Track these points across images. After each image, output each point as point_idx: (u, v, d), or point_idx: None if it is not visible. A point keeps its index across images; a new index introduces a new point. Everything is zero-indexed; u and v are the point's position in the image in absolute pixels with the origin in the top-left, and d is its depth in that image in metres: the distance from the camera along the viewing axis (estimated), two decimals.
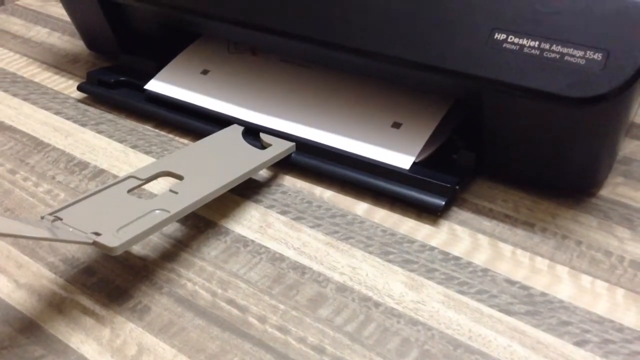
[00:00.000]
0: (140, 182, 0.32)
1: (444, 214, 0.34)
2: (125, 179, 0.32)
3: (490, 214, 0.35)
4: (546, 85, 0.31)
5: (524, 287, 0.30)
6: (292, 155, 0.37)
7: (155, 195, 0.36)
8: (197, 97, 0.41)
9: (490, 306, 0.29)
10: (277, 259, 0.31)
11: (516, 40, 0.32)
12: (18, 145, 0.40)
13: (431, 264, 0.31)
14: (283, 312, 0.28)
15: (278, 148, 0.37)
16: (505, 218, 0.34)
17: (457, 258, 0.32)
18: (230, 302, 0.29)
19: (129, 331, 0.28)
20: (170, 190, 0.31)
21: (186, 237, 0.33)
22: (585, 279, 0.30)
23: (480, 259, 0.32)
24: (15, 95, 0.46)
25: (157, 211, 0.29)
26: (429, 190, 0.34)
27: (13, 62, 0.51)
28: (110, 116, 0.43)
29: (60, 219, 0.28)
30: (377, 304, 0.29)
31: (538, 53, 0.31)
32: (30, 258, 0.31)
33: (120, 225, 0.28)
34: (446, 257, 0.32)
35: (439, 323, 0.28)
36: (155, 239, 0.33)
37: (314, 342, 0.27)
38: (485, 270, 0.31)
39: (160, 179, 0.36)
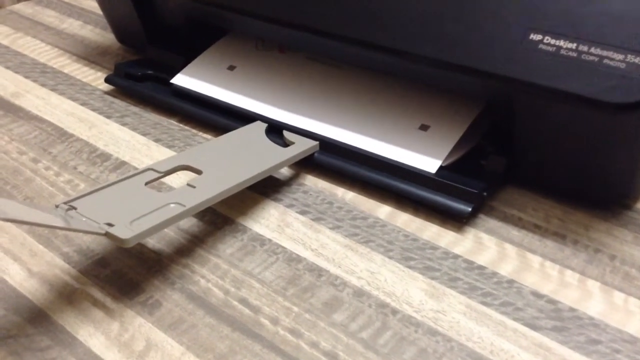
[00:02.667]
0: (158, 175, 0.32)
1: (470, 221, 0.33)
2: (144, 171, 0.31)
3: (519, 223, 0.33)
4: (582, 89, 0.29)
5: (552, 301, 0.28)
6: (315, 154, 0.36)
7: (174, 188, 0.35)
8: (222, 93, 0.41)
9: (515, 319, 0.27)
10: (293, 259, 0.30)
11: (552, 41, 0.30)
12: (43, 135, 0.40)
13: (454, 273, 0.30)
14: (296, 315, 0.27)
15: (301, 146, 0.36)
16: (534, 228, 0.33)
17: (481, 267, 0.30)
18: (243, 301, 0.28)
19: (138, 326, 0.27)
20: (188, 184, 0.31)
21: (202, 233, 0.32)
22: (618, 296, 0.29)
23: (506, 269, 0.30)
24: (43, 85, 0.46)
25: (173, 205, 0.29)
26: (455, 195, 0.33)
27: (44, 52, 0.51)
28: (135, 109, 0.43)
29: (75, 208, 0.28)
30: (394, 311, 0.28)
31: (575, 55, 0.30)
32: (45, 247, 0.31)
33: (134, 217, 0.27)
34: (470, 265, 0.30)
35: (459, 334, 0.27)
36: (171, 233, 0.32)
37: (326, 348, 0.26)
38: (511, 282, 0.29)
39: (179, 173, 0.35)
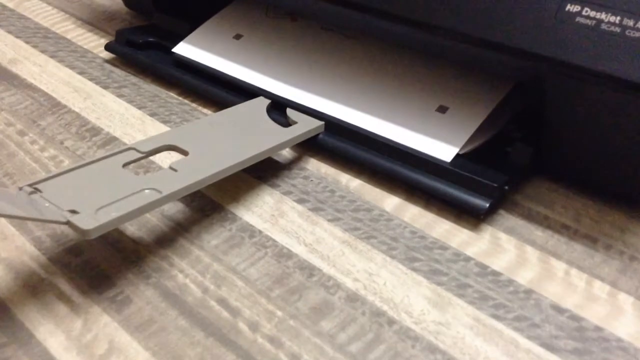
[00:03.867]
0: (140, 156, 0.28)
1: (487, 218, 0.29)
2: (124, 150, 0.29)
3: (544, 222, 0.29)
4: (626, 71, 0.25)
5: (575, 318, 0.24)
6: (320, 135, 0.33)
7: (156, 170, 0.32)
8: (225, 64, 0.37)
9: (530, 338, 0.24)
10: (284, 255, 0.27)
11: (592, 13, 0.26)
12: (34, 105, 0.37)
13: (464, 278, 0.26)
14: (279, 320, 0.24)
15: (304, 126, 0.32)
16: (562, 229, 0.29)
17: (496, 273, 0.26)
18: (222, 302, 0.25)
19: (103, 325, 0.24)
20: (170, 167, 0.27)
21: (188, 220, 0.29)
22: None
23: (524, 277, 0.26)
24: (44, 51, 0.43)
25: (147, 191, 0.26)
26: (472, 188, 0.29)
27: (49, 16, 0.48)
28: (134, 79, 0.40)
29: (40, 192, 0.25)
30: (391, 321, 0.24)
31: (619, 31, 0.25)
32: (17, 230, 0.28)
33: (102, 204, 0.25)
34: (483, 270, 0.27)
35: (463, 353, 0.23)
36: (153, 219, 0.29)
37: None
38: (528, 292, 0.26)
39: (166, 153, 0.32)
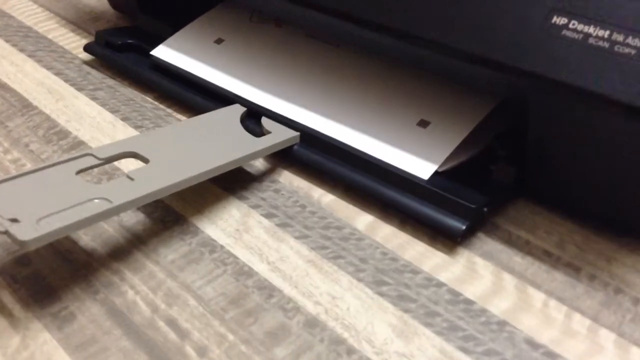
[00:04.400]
0: (97, 163, 0.27)
1: (464, 241, 0.27)
2: (81, 156, 0.27)
3: (525, 248, 0.27)
4: (613, 90, 0.23)
5: (550, 354, 0.23)
6: (295, 147, 0.31)
7: (112, 178, 0.31)
8: (203, 69, 0.36)
9: None
10: (244, 273, 0.26)
11: (580, 27, 0.24)
12: (4, 106, 0.36)
13: (434, 306, 0.24)
14: (230, 346, 0.23)
15: (278, 137, 0.31)
16: (544, 255, 0.27)
17: (469, 302, 0.25)
18: (171, 322, 0.23)
19: (41, 343, 0.23)
20: (127, 176, 0.26)
21: (147, 232, 0.27)
22: (636, 354, 0.23)
23: (499, 306, 0.24)
24: (22, 50, 0.42)
25: (97, 200, 0.24)
26: (450, 209, 0.27)
27: (33, 15, 0.47)
28: (111, 82, 0.39)
29: None
30: (350, 351, 0.22)
31: (607, 46, 0.23)
32: None
33: (46, 213, 0.23)
34: (455, 298, 0.25)
35: None
36: (110, 230, 0.28)
37: None
38: (502, 324, 0.24)
39: (126, 161, 0.31)
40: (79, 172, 0.26)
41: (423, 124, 0.30)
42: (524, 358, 0.22)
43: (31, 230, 0.22)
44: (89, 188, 0.25)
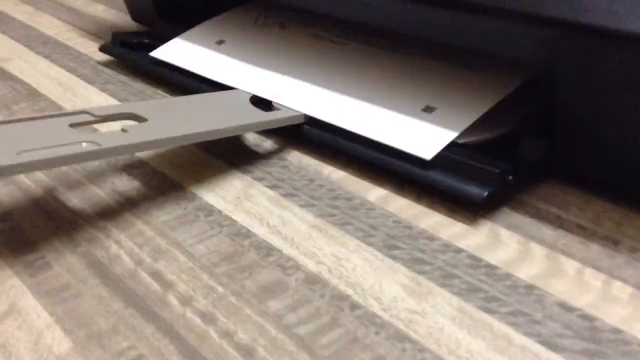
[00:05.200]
0: (93, 119, 0.25)
1: (488, 214, 0.25)
2: (77, 113, 0.25)
3: (556, 222, 0.24)
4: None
5: (587, 318, 0.19)
6: (305, 127, 0.29)
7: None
8: (202, 67, 0.35)
9: (527, 335, 0.19)
10: (240, 234, 0.23)
11: None
12: (12, 93, 0.35)
13: (451, 269, 0.21)
14: (219, 297, 0.20)
15: (284, 114, 0.29)
16: (577, 229, 0.24)
17: (491, 267, 0.22)
18: (155, 274, 0.21)
19: (9, 287, 0.20)
20: (122, 130, 0.24)
21: (141, 197, 0.25)
22: None
23: (526, 272, 0.21)
24: (38, 53, 0.42)
25: (85, 144, 0.22)
26: (471, 176, 0.25)
27: (55, 27, 0.47)
28: (124, 78, 0.38)
29: None
30: (354, 306, 0.20)
31: None
32: None
33: (30, 148, 0.21)
34: (476, 263, 0.22)
35: (439, 345, 0.18)
36: (102, 194, 0.26)
37: (243, 341, 0.18)
38: (530, 287, 0.21)
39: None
40: (73, 125, 0.24)
41: (429, 109, 0.28)
42: (557, 320, 0.19)
43: (9, 158, 0.20)
44: (79, 135, 0.23)
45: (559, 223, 0.24)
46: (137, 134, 0.24)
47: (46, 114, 0.25)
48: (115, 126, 0.25)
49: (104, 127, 0.30)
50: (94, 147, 0.22)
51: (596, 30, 0.22)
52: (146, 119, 0.26)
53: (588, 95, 0.24)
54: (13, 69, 0.39)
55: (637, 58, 0.22)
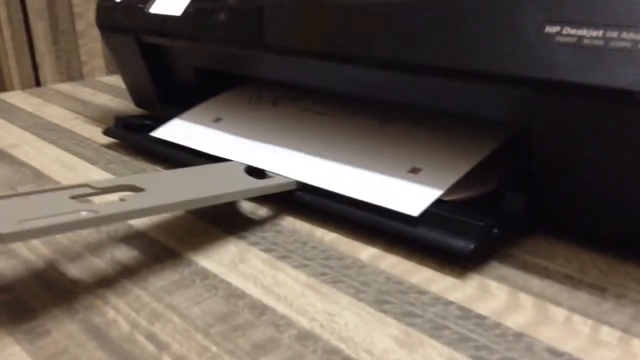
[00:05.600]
0: (92, 192, 0.27)
1: (477, 268, 0.25)
2: (77, 186, 0.27)
3: (543, 272, 0.25)
4: (616, 80, 0.22)
5: None
6: (297, 192, 0.30)
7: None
8: (200, 142, 0.36)
9: None
10: (234, 295, 0.24)
11: (572, 31, 0.24)
12: (17, 175, 0.37)
13: (441, 320, 0.22)
14: (212, 356, 0.20)
15: (276, 180, 0.30)
16: (564, 279, 0.24)
17: (481, 317, 0.22)
18: (150, 336, 0.21)
19: (8, 355, 0.21)
20: (120, 199, 0.25)
21: (138, 265, 0.26)
22: None
23: (515, 321, 0.22)
24: (44, 139, 0.44)
25: (84, 212, 0.23)
26: (457, 231, 0.25)
27: (61, 116, 0.50)
28: (125, 157, 0.39)
29: None
30: (345, 359, 0.20)
31: (602, 43, 0.23)
32: None
33: (30, 217, 0.22)
34: (466, 314, 0.22)
35: None
36: (101, 263, 0.26)
37: None
38: (519, 335, 0.21)
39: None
40: (73, 197, 0.26)
41: (414, 170, 0.29)
42: None
43: (10, 226, 0.21)
44: (78, 205, 0.24)
45: (545, 274, 0.25)
46: (134, 201, 0.25)
47: (47, 187, 0.26)
48: (114, 197, 0.26)
49: (103, 199, 0.31)
50: (92, 215, 0.23)
51: (564, 84, 0.23)
52: (143, 189, 0.27)
53: (564, 150, 0.25)
54: (19, 153, 0.41)
55: (606, 110, 0.23)
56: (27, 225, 0.21)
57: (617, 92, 0.22)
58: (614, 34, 0.23)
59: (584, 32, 0.24)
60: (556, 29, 0.24)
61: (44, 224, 0.22)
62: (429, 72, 0.27)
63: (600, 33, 0.23)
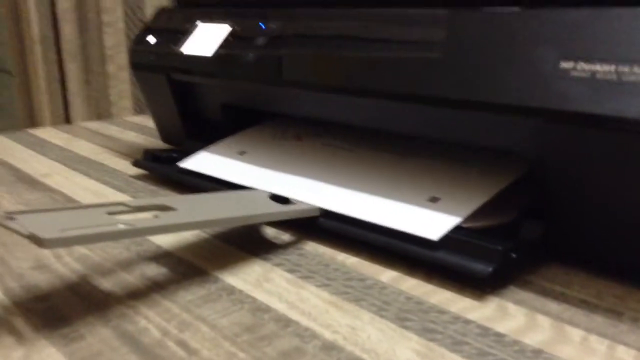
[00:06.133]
0: (127, 209, 0.28)
1: (495, 291, 0.26)
2: (113, 204, 0.28)
3: (560, 297, 0.25)
4: (624, 110, 0.23)
5: None
6: (319, 219, 0.32)
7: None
8: (227, 172, 0.38)
9: None
10: (260, 309, 0.25)
11: (586, 67, 0.25)
12: (48, 200, 0.38)
13: (461, 337, 0.23)
14: None
15: (300, 206, 0.31)
16: (581, 303, 0.25)
17: (500, 335, 0.23)
18: (181, 343, 0.22)
19: (45, 356, 0.22)
20: (154, 216, 0.27)
21: (167, 280, 0.27)
22: None
23: (534, 339, 0.22)
24: (74, 169, 0.45)
25: (121, 225, 0.25)
26: (476, 255, 0.26)
27: (90, 150, 0.51)
28: (153, 187, 0.41)
29: (14, 219, 0.25)
30: None
31: (615, 78, 0.24)
32: None
33: (71, 227, 0.24)
34: (485, 332, 0.23)
35: None
36: (131, 278, 0.27)
37: None
38: (538, 352, 0.22)
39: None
40: (109, 213, 0.27)
41: (434, 199, 0.30)
42: None
43: (53, 233, 0.22)
44: (115, 219, 0.25)
45: (563, 298, 0.25)
46: (167, 218, 0.26)
47: (86, 204, 0.27)
48: (148, 215, 0.27)
49: (137, 217, 0.33)
50: (129, 227, 0.24)
51: (580, 116, 0.25)
52: (175, 208, 0.28)
53: (578, 180, 0.26)
54: (51, 182, 0.42)
55: (618, 140, 0.24)
56: (69, 233, 0.23)
57: (629, 122, 0.23)
58: (626, 69, 0.24)
59: (597, 67, 0.25)
60: (571, 64, 0.26)
61: (83, 232, 0.23)
62: (452, 105, 0.29)
63: (612, 68, 0.25)
